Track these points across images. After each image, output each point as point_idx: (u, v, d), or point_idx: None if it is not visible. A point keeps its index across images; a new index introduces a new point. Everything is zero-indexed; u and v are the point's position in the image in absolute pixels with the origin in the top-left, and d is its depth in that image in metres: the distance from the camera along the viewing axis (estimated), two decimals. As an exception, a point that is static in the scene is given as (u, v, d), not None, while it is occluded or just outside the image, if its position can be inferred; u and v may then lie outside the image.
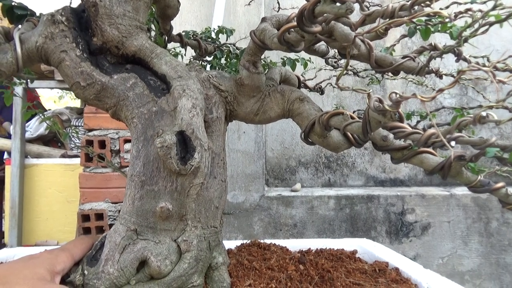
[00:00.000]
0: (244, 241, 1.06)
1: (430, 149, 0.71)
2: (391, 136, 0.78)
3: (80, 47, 0.78)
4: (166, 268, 0.68)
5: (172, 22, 1.98)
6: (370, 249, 1.13)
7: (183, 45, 1.10)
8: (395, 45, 0.89)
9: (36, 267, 0.63)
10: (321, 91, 1.29)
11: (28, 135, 2.72)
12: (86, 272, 0.67)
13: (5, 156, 2.97)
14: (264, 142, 2.14)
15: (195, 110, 0.74)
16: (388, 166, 2.28)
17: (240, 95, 0.85)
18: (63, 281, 0.70)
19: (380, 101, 0.55)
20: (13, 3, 0.96)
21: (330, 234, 2.05)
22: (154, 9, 1.05)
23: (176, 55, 1.30)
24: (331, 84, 1.33)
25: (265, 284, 0.75)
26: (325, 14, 0.55)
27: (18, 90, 2.31)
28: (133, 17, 0.82)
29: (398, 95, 0.48)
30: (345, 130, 0.72)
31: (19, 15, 0.96)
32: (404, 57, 0.75)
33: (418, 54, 0.75)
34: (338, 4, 0.49)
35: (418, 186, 2.27)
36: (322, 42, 0.84)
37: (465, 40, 0.73)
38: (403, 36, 0.89)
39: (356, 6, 0.59)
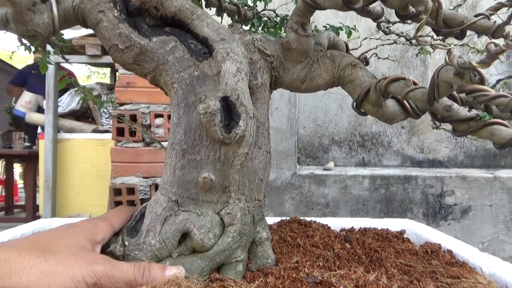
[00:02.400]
0: (283, 218, 1.01)
1: (502, 121, 0.63)
2: (455, 105, 0.70)
3: (118, 7, 0.74)
4: (209, 241, 0.64)
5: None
6: (416, 230, 1.07)
7: (221, 10, 1.04)
8: (460, 5, 0.80)
9: (77, 235, 0.60)
10: (366, 61, 1.20)
11: (60, 110, 2.75)
12: (126, 243, 0.64)
13: (39, 130, 3.03)
14: (296, 119, 2.07)
15: (240, 74, 0.68)
16: (426, 146, 2.17)
17: (286, 61, 0.78)
18: (103, 251, 0.67)
19: (461, 57, 0.47)
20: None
21: (364, 214, 1.99)
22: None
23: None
24: (376, 55, 1.24)
25: (312, 261, 0.70)
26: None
27: (51, 68, 2.32)
28: (173, -25, 0.76)
29: (499, 46, 0.41)
30: (407, 97, 0.65)
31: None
32: (476, 15, 0.67)
33: (493, 12, 0.66)
34: None
35: (458, 168, 2.16)
36: (378, 3, 0.76)
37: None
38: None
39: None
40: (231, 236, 0.66)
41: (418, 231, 1.05)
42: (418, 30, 0.54)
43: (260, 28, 1.25)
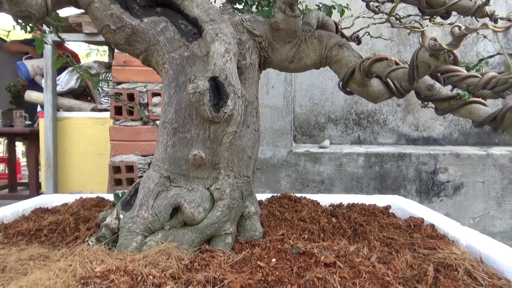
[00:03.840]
0: (275, 194, 1.05)
1: (480, 99, 0.66)
2: (437, 85, 0.72)
3: (109, -12, 0.75)
4: (200, 215, 0.68)
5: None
6: (403, 205, 1.11)
7: (214, -11, 1.04)
8: (446, -15, 0.81)
9: None
10: (358, 40, 1.21)
11: (59, 88, 2.76)
12: (121, 216, 0.67)
13: (38, 109, 3.05)
14: (293, 97, 2.09)
15: (228, 55, 0.70)
16: (421, 124, 2.19)
17: (275, 41, 0.80)
18: (98, 224, 0.71)
19: (435, 39, 0.49)
20: None
21: (358, 191, 2.03)
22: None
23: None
24: (369, 34, 1.25)
25: (297, 234, 0.74)
26: None
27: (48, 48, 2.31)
28: (163, -45, 0.77)
29: (463, 28, 0.43)
30: (389, 77, 0.67)
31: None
32: (458, -4, 0.68)
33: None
34: None
35: (452, 145, 2.19)
36: (365, -18, 0.77)
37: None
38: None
39: None
40: (220, 210, 0.70)
41: (405, 206, 1.09)
42: (391, 12, 0.56)
43: (254, 7, 1.26)
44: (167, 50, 0.74)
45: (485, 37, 1.24)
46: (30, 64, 3.35)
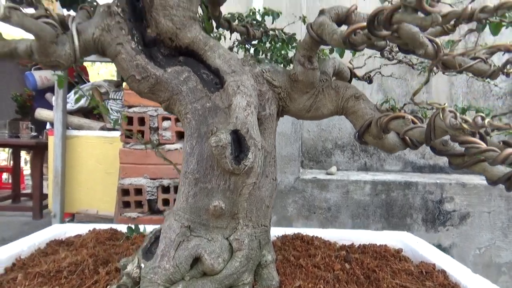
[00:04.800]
0: (287, 232, 1.07)
1: (494, 157, 0.67)
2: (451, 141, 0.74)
3: (135, 39, 0.78)
4: (219, 266, 0.69)
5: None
6: (413, 245, 1.12)
7: (231, 30, 1.07)
8: (460, 40, 0.84)
9: None
10: (369, 80, 1.24)
11: (68, 106, 2.80)
12: (142, 265, 0.69)
13: (48, 126, 3.08)
14: (301, 123, 2.11)
15: (250, 108, 0.73)
16: (427, 152, 2.21)
17: (293, 91, 0.82)
18: (119, 271, 0.72)
19: (455, 115, 0.51)
20: (65, -12, 0.96)
21: (365, 219, 2.04)
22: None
23: (219, 37, 1.28)
24: (380, 73, 1.28)
25: (313, 284, 0.75)
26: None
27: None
28: (187, 7, 0.80)
29: (485, 121, 0.45)
30: (406, 135, 0.69)
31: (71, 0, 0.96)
32: (473, 58, 0.70)
33: (490, 55, 0.70)
34: (421, 14, 0.46)
35: (458, 174, 2.20)
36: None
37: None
38: (470, 31, 0.83)
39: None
40: (239, 261, 0.71)
41: (415, 246, 1.10)
42: (415, 94, 0.58)
43: (268, 43, 1.29)
44: (189, 100, 0.77)
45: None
46: (38, 75, 3.40)
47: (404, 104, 1.05)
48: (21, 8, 0.69)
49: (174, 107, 0.79)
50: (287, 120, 2.05)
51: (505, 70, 0.86)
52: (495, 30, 0.82)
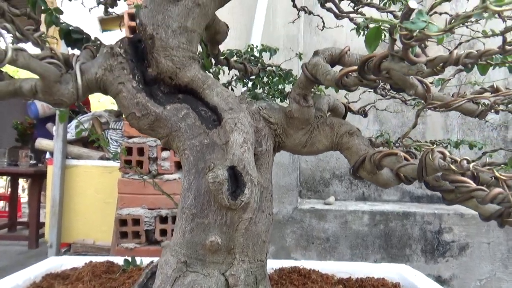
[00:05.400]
0: (284, 265, 1.06)
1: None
2: (444, 176, 0.76)
3: (136, 78, 0.81)
4: (215, 302, 0.70)
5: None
6: (411, 279, 1.11)
7: (230, 67, 1.11)
8: (450, 79, 0.87)
9: None
10: (364, 114, 1.27)
11: (69, 136, 2.83)
12: (138, 302, 0.69)
13: (47, 155, 3.10)
14: (299, 154, 2.13)
15: (246, 145, 0.75)
16: (425, 182, 2.22)
17: (289, 127, 0.85)
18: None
19: (444, 157, 0.53)
20: (70, 28, 1.00)
21: (363, 250, 2.02)
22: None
23: (218, 73, 1.32)
24: (375, 107, 1.31)
25: (310, 320, 0.75)
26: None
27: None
28: (187, 48, 0.83)
29: (471, 165, 0.47)
30: (399, 171, 0.71)
31: (76, 39, 1.00)
32: (461, 96, 0.73)
33: (477, 95, 0.72)
34: (406, 63, 0.48)
35: (456, 205, 2.20)
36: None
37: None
38: (459, 71, 0.87)
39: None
40: (235, 296, 0.71)
41: (413, 280, 1.10)
42: (404, 137, 0.61)
43: (265, 78, 1.33)
44: (187, 136, 0.79)
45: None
46: (40, 104, 3.45)
47: (398, 139, 1.08)
48: (26, 50, 0.72)
49: (173, 143, 0.81)
50: (285, 150, 2.07)
51: (493, 109, 0.89)
52: (483, 71, 0.85)
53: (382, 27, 0.43)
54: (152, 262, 1.01)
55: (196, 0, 0.82)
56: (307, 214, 2.04)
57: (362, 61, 0.56)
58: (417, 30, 0.37)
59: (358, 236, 2.04)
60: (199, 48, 1.15)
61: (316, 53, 0.81)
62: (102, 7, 1.10)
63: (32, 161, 4.22)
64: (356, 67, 0.60)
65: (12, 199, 4.65)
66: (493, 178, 0.77)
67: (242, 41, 2.02)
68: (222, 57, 1.09)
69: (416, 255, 2.03)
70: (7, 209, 5.22)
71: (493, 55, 0.54)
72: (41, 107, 3.42)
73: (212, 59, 1.13)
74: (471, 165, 0.47)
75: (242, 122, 0.78)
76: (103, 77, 0.79)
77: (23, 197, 6.83)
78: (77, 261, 1.22)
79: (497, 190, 0.53)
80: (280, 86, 1.31)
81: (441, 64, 0.73)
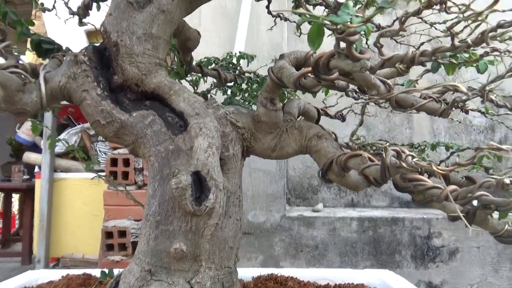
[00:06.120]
0: (262, 273, 1.05)
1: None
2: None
3: (101, 86, 0.80)
4: (179, 311, 0.68)
5: (196, 42, 1.95)
6: (392, 284, 1.10)
7: (203, 75, 1.11)
8: (417, 80, 0.87)
9: None
10: (342, 118, 1.27)
11: (57, 149, 2.81)
12: (101, 312, 0.67)
13: (36, 169, 3.08)
14: (286, 161, 2.12)
15: (211, 149, 0.74)
16: (414, 187, 2.21)
17: (257, 131, 0.84)
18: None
19: (398, 156, 0.53)
20: (41, 39, 1.00)
21: (353, 256, 2.00)
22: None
23: (197, 81, 1.31)
24: (354, 111, 1.31)
25: (279, 328, 0.73)
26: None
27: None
28: (153, 54, 0.83)
29: (413, 160, 0.46)
30: (363, 172, 0.70)
31: (46, 49, 1.00)
32: (426, 97, 0.73)
33: (441, 94, 0.72)
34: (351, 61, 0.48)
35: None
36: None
37: (492, 81, 0.70)
38: (426, 71, 0.86)
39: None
40: (200, 305, 0.70)
41: (394, 285, 1.08)
42: (353, 134, 0.60)
43: (244, 84, 1.33)
44: (153, 143, 0.78)
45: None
46: (23, 132, 3.40)
47: (369, 143, 1.07)
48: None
49: (139, 150, 0.80)
50: (271, 158, 2.06)
51: (464, 108, 0.89)
52: (450, 70, 0.85)
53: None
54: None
55: (160, 7, 0.82)
56: (295, 221, 2.02)
57: (314, 61, 0.56)
58: (342, 23, 0.36)
59: (347, 243, 2.02)
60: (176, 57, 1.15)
61: (281, 57, 0.80)
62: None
63: (25, 176, 4.18)
64: (310, 69, 0.60)
65: (6, 215, 4.60)
66: (464, 179, 0.76)
67: (226, 49, 2.02)
68: (195, 65, 1.09)
69: (406, 261, 2.01)
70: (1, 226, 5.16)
71: (445, 52, 0.54)
72: (25, 135, 3.39)
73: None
74: (414, 160, 0.47)
75: (207, 127, 0.77)
76: (67, 85, 0.79)
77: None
78: (54, 275, 1.20)
79: (452, 187, 0.52)
80: (258, 93, 1.30)
81: (405, 64, 0.73)
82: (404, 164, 0.50)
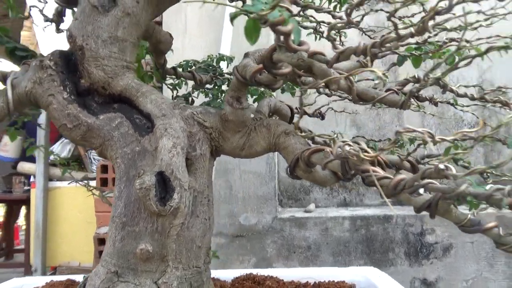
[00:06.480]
0: (242, 273, 1.04)
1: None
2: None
3: (68, 90, 0.81)
4: (145, 312, 0.68)
5: (182, 46, 2.03)
6: (374, 280, 1.09)
7: (178, 77, 1.12)
8: (385, 73, 0.87)
9: None
10: (321, 116, 1.27)
11: (52, 158, 2.82)
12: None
13: (32, 179, 3.10)
14: (276, 162, 2.12)
15: (175, 149, 0.74)
16: (406, 184, 2.20)
17: (225, 131, 0.84)
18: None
19: (343, 147, 0.53)
20: (15, 46, 1.01)
21: (346, 256, 1.99)
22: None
23: (179, 84, 1.32)
24: (332, 108, 1.31)
25: (249, 326, 0.73)
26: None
27: (42, 118, 2.41)
28: (120, 57, 0.83)
29: (348, 148, 0.46)
30: (327, 167, 0.70)
31: (21, 56, 1.01)
32: (387, 90, 0.73)
33: (402, 87, 0.72)
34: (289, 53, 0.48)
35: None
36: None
37: (452, 69, 0.70)
38: (393, 65, 0.87)
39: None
40: (167, 305, 0.70)
41: (376, 281, 1.08)
42: (297, 124, 0.60)
43: (224, 86, 1.33)
44: (120, 145, 0.78)
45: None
46: (3, 151, 3.38)
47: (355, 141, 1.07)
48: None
49: (107, 153, 0.81)
50: (260, 159, 2.06)
51: (433, 100, 0.89)
52: (416, 63, 0.85)
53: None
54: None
55: (125, 10, 0.83)
56: (287, 223, 2.02)
57: (262, 57, 0.56)
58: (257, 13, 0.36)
59: (340, 243, 2.01)
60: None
61: (246, 55, 0.81)
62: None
63: (27, 187, 4.20)
64: (261, 66, 0.60)
65: (8, 227, 4.60)
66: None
67: (212, 53, 2.03)
68: (169, 68, 1.09)
69: (400, 258, 2.00)
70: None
71: (391, 42, 0.54)
72: (4, 152, 3.38)
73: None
74: (349, 148, 0.47)
75: (173, 127, 0.77)
76: (33, 90, 0.79)
77: (23, 223, 6.77)
78: (39, 281, 1.20)
79: (400, 176, 0.52)
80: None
81: (358, 56, 0.73)
82: (348, 155, 0.50)
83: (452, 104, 0.92)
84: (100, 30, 0.82)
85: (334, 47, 0.62)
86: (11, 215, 4.66)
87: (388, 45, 0.61)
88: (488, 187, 0.52)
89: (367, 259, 1.98)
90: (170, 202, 0.70)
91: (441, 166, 0.43)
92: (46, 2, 1.11)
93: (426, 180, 0.50)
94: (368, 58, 0.72)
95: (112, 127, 0.80)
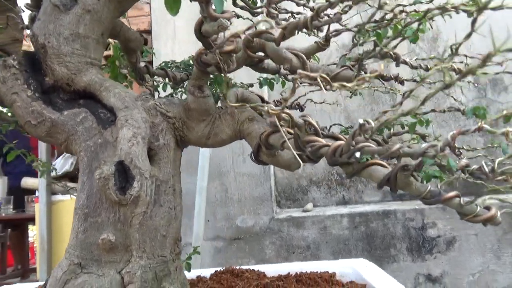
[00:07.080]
0: (220, 268, 1.03)
1: (380, 161, 0.66)
2: (340, 150, 0.73)
3: (32, 88, 0.82)
4: (107, 301, 0.67)
5: (171, 51, 2.04)
6: (361, 270, 1.07)
7: (151, 75, 1.12)
8: (346, 54, 0.86)
9: None
10: (300, 108, 1.26)
11: (55, 172, 2.86)
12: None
13: (36, 194, 3.14)
14: (271, 163, 2.11)
15: (136, 139, 0.74)
16: (406, 179, 2.16)
17: (189, 120, 0.84)
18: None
19: (275, 120, 0.52)
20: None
21: (346, 254, 1.95)
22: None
23: (160, 85, 1.33)
24: (312, 100, 1.30)
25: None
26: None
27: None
28: (83, 54, 0.84)
29: (274, 118, 0.46)
30: (283, 147, 0.69)
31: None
32: (342, 67, 0.72)
33: (356, 62, 0.71)
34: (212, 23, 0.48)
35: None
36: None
37: (404, 38, 0.69)
38: (354, 46, 0.86)
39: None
40: (130, 294, 0.69)
41: (362, 271, 1.05)
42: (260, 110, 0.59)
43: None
44: (84, 139, 0.79)
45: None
46: None
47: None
48: None
49: (72, 147, 0.81)
50: (255, 160, 2.05)
51: (398, 79, 0.87)
52: (379, 41, 0.84)
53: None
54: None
55: (86, 7, 0.84)
56: (284, 223, 1.99)
57: (194, 30, 0.56)
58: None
59: (340, 241, 1.97)
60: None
61: (205, 43, 0.81)
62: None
63: (38, 205, 4.25)
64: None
65: (23, 246, 4.63)
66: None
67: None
68: (142, 66, 1.10)
69: (402, 254, 1.95)
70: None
71: (324, 11, 0.53)
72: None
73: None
74: (282, 114, 0.46)
75: (134, 118, 0.78)
76: (-3, 89, 0.81)
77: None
78: (29, 287, 1.21)
79: (337, 142, 0.51)
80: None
81: (325, 39, 0.73)
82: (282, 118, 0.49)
83: (415, 81, 0.90)
84: (61, 28, 0.83)
85: (277, 23, 0.62)
86: (24, 235, 4.71)
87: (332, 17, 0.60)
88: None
89: (368, 256, 1.94)
90: (130, 191, 0.70)
91: (360, 121, 0.42)
92: (23, 11, 1.14)
93: (362, 144, 0.49)
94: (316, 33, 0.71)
95: (77, 122, 0.80)
